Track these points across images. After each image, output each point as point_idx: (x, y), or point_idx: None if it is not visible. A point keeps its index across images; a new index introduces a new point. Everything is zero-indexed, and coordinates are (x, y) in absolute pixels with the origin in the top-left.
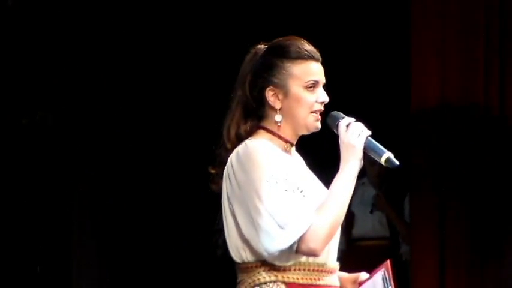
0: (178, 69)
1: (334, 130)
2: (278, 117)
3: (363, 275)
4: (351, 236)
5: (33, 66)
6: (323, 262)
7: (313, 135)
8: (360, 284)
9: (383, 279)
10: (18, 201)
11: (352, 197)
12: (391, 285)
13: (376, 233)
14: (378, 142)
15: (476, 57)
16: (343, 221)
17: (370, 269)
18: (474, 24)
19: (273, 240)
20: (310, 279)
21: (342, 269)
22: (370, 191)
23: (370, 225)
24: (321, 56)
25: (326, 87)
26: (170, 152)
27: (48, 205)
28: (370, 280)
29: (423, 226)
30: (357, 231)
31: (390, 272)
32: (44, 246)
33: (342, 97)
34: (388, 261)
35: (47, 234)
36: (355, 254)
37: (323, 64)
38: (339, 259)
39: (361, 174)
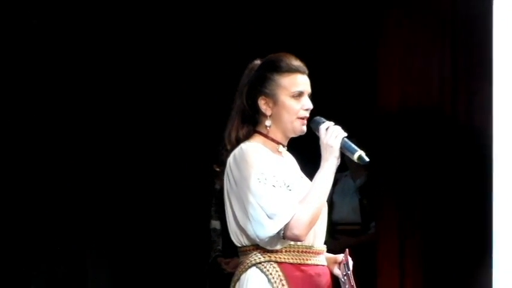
0: (178, 79)
1: (316, 133)
2: (268, 122)
3: (341, 257)
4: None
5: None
6: (310, 245)
7: (302, 137)
8: (339, 264)
9: (344, 265)
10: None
11: (334, 187)
12: (350, 269)
13: (350, 219)
14: (352, 143)
15: (432, 68)
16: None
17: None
18: (432, 41)
19: (263, 228)
20: (300, 259)
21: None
22: (350, 182)
23: (346, 212)
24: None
25: (312, 96)
26: (174, 154)
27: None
28: (342, 264)
29: (387, 220)
30: (334, 216)
31: (349, 258)
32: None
33: (321, 104)
34: (347, 250)
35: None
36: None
37: (310, 77)
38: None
39: (345, 168)
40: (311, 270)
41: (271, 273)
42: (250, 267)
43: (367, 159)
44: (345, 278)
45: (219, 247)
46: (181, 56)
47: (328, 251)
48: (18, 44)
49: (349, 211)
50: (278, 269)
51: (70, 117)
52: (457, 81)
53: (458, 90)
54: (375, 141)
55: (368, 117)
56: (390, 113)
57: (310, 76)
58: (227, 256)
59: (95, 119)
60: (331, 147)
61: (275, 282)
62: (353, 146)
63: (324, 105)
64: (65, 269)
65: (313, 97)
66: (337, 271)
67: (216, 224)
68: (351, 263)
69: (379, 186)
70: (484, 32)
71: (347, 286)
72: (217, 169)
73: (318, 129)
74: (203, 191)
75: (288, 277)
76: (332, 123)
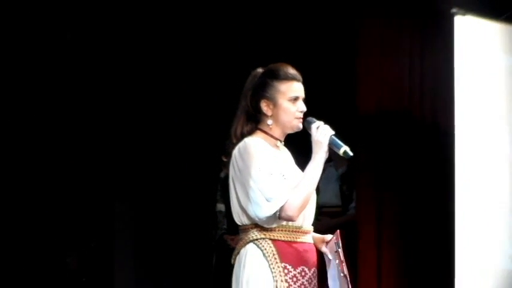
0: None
1: (309, 131)
2: (269, 121)
3: (328, 237)
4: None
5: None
6: (300, 225)
7: (296, 134)
8: (327, 243)
9: (335, 243)
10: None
11: (321, 174)
12: (340, 247)
13: (332, 202)
14: (339, 139)
15: (403, 76)
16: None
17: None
18: (402, 53)
19: (261, 209)
20: (290, 237)
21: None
22: (333, 171)
23: (329, 196)
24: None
25: (307, 99)
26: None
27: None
28: (330, 242)
29: (366, 205)
30: (319, 200)
31: (339, 238)
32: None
33: (312, 106)
34: (338, 230)
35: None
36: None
37: (303, 83)
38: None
39: (330, 159)
40: (300, 247)
41: (265, 249)
42: (248, 243)
43: (351, 153)
44: (335, 254)
45: (225, 226)
46: (182, 57)
47: (315, 231)
48: (16, 45)
49: (332, 196)
50: (272, 245)
51: (80, 115)
52: (424, 87)
53: (424, 94)
54: (356, 138)
55: (350, 117)
56: (368, 114)
57: (303, 83)
58: (231, 234)
59: (100, 119)
60: (321, 143)
61: (268, 256)
62: (339, 142)
63: (314, 107)
64: (94, 246)
65: (305, 101)
66: (324, 249)
67: (221, 206)
68: (340, 242)
69: (359, 174)
70: (447, 46)
71: (337, 261)
72: (225, 159)
73: (310, 128)
74: (206, 181)
75: (280, 252)
76: (322, 122)
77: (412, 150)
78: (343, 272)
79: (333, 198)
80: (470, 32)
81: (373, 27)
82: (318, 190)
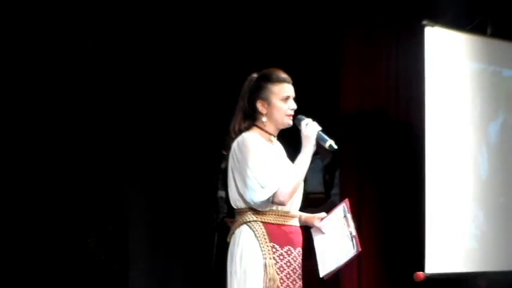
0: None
1: (299, 127)
2: (264, 119)
3: (323, 214)
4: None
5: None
6: (288, 210)
7: (288, 130)
8: (322, 219)
9: (343, 210)
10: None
11: (309, 165)
12: (349, 213)
13: (318, 190)
14: (325, 135)
15: (381, 81)
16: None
17: (314, 209)
18: (380, 61)
19: (257, 195)
20: (279, 220)
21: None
22: (319, 162)
23: (314, 184)
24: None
25: (296, 99)
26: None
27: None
28: (331, 214)
29: (348, 190)
30: (306, 188)
31: (349, 206)
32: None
33: (300, 106)
34: (347, 199)
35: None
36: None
37: (294, 85)
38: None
39: (316, 152)
40: (287, 229)
41: (257, 230)
42: (242, 224)
43: (335, 146)
44: (344, 219)
45: (225, 210)
46: (182, 57)
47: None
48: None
49: (317, 184)
50: (262, 227)
51: (96, 115)
52: (398, 90)
53: (399, 96)
54: (339, 134)
55: (334, 116)
56: (350, 113)
57: (293, 85)
58: (231, 217)
59: (115, 118)
60: (309, 137)
61: (259, 236)
62: (325, 137)
63: (303, 106)
64: (111, 228)
65: (295, 100)
66: (317, 224)
67: (222, 193)
68: (348, 209)
69: (342, 165)
70: (418, 53)
71: (345, 225)
72: (225, 153)
73: (300, 124)
74: (209, 172)
75: (269, 233)
76: (310, 120)
77: (388, 145)
78: (351, 234)
79: (318, 186)
80: (439, 41)
81: (355, 38)
82: (305, 179)
